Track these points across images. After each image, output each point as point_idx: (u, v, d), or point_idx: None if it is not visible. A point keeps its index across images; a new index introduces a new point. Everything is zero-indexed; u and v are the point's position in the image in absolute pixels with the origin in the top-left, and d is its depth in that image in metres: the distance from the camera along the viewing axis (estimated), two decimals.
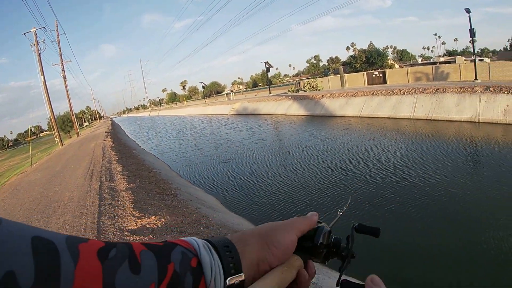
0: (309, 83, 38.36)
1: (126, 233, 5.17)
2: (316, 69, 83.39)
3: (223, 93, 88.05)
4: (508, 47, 53.93)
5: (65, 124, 43.27)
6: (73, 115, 38.94)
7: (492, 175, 8.69)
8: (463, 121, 15.55)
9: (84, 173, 10.90)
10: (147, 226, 5.42)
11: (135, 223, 5.54)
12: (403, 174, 9.53)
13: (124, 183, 8.55)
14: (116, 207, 6.55)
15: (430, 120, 16.99)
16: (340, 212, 0.75)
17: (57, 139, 30.56)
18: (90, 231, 5.48)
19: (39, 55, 28.88)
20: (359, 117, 21.35)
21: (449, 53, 76.89)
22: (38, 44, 29.09)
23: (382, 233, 0.65)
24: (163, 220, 5.64)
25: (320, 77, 48.27)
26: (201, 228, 5.48)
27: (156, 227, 5.38)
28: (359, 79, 34.38)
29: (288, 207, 8.07)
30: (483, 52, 65.43)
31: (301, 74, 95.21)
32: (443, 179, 8.74)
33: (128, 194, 7.33)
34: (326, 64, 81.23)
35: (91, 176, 10.12)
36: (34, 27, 29.31)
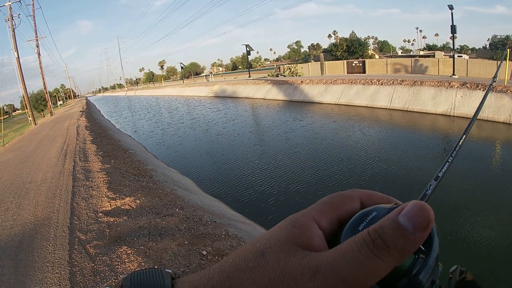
0: (289, 69, 38.29)
1: (100, 214, 5.13)
2: (297, 55, 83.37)
3: (202, 74, 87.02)
4: (487, 46, 55.01)
5: (39, 102, 41.85)
6: (47, 93, 37.59)
7: (466, 167, 8.93)
8: (439, 114, 16.00)
9: (58, 153, 10.66)
10: (122, 207, 5.39)
11: (109, 204, 5.50)
12: (373, 160, 9.83)
13: (99, 163, 8.42)
14: (90, 188, 6.47)
15: (406, 111, 17.40)
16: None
17: (30, 118, 29.55)
18: (63, 213, 5.41)
19: (13, 30, 27.46)
20: (337, 104, 21.64)
21: (429, 47, 78.15)
22: (12, 19, 27.57)
23: None
24: (138, 201, 5.63)
25: (300, 63, 48.31)
26: (177, 209, 5.50)
27: (131, 208, 5.36)
28: (339, 67, 34.59)
29: (264, 189, 8.18)
30: (463, 49, 66.64)
31: (282, 59, 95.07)
32: (408, 164, 9.17)
33: (102, 175, 7.24)
34: (307, 50, 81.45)
35: (65, 157, 9.92)
36: (9, 1, 27.55)
